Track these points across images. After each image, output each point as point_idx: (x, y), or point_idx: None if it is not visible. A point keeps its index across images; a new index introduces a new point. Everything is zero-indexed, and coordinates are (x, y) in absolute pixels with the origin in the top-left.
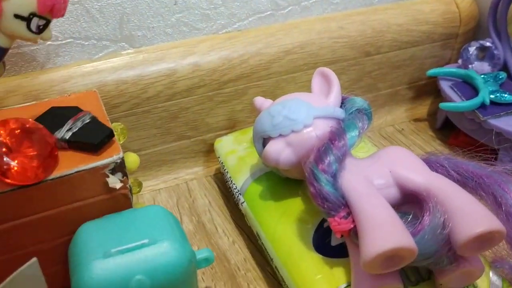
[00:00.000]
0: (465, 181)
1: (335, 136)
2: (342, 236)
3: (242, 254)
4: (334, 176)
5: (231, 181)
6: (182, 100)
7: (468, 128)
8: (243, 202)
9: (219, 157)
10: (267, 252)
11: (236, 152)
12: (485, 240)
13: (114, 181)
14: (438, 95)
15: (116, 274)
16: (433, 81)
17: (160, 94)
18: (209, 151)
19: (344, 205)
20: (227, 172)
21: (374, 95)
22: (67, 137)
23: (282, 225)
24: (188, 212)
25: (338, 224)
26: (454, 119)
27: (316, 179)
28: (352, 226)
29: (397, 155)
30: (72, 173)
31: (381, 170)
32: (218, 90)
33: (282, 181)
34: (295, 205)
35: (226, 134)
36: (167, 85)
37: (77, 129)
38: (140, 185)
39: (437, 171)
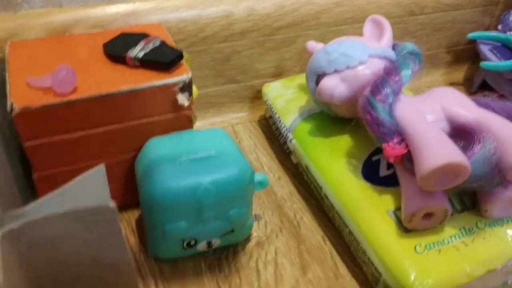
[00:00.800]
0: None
1: (391, 71)
2: (393, 163)
3: (287, 189)
4: (390, 106)
5: (280, 121)
6: (236, 43)
7: (506, 90)
8: (292, 139)
9: (266, 101)
10: (317, 183)
11: (284, 95)
12: None
13: (183, 99)
14: (474, 61)
15: (186, 180)
16: (471, 47)
17: (216, 35)
18: (255, 97)
19: (398, 132)
20: (275, 113)
21: None
22: (140, 56)
23: (332, 158)
24: None
25: (392, 149)
26: (491, 81)
27: (373, 107)
28: (405, 151)
29: (448, 93)
30: (144, 88)
31: (432, 105)
32: (270, 36)
33: (330, 121)
34: (344, 141)
35: (272, 81)
36: (223, 26)
37: (148, 49)
38: (195, 118)
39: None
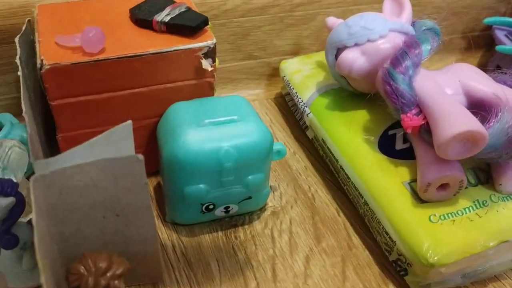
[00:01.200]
0: None
1: (411, 44)
2: (410, 134)
3: (302, 163)
4: (410, 78)
5: (297, 95)
6: (256, 18)
7: None
8: (309, 113)
9: (284, 76)
10: (333, 156)
11: (301, 71)
12: None
13: (207, 64)
14: (489, 48)
15: (208, 142)
16: (486, 33)
17: (237, 8)
18: (272, 75)
19: (417, 104)
20: (293, 88)
21: None
22: (167, 20)
23: (349, 131)
24: None
25: (410, 120)
26: (505, 66)
27: (393, 78)
28: (423, 122)
29: (465, 68)
30: (170, 51)
31: (450, 79)
32: (290, 12)
33: (348, 96)
34: (360, 115)
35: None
36: (245, 0)
37: (175, 14)
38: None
39: None
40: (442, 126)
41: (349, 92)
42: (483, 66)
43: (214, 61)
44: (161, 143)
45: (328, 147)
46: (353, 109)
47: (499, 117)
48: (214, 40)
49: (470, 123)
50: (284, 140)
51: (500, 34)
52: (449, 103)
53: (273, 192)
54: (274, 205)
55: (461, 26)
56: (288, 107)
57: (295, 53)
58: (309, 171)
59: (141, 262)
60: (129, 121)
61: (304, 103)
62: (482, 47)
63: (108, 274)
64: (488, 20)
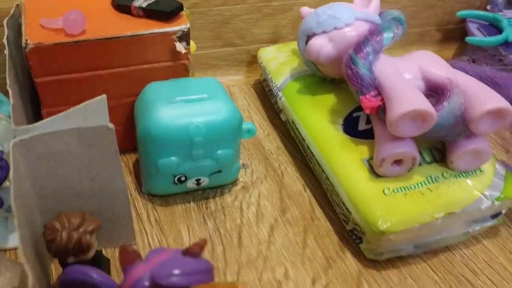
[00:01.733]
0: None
1: (374, 32)
2: (369, 114)
3: (275, 143)
4: (370, 63)
5: (272, 80)
6: (235, 7)
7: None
8: (282, 97)
9: (261, 63)
10: (301, 135)
11: (277, 58)
12: (495, 117)
13: (181, 47)
14: (463, 41)
15: (179, 118)
16: (460, 27)
17: None
18: (251, 62)
19: (375, 86)
20: (268, 74)
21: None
22: (144, 6)
23: (316, 113)
24: None
25: (368, 101)
26: (476, 58)
27: (354, 63)
28: (380, 103)
29: (425, 55)
30: (146, 34)
31: (410, 65)
32: (267, 2)
33: (318, 81)
34: (328, 99)
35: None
36: None
37: (152, 1)
38: (193, 74)
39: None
40: (394, 105)
41: (319, 77)
42: (458, 58)
43: (188, 44)
44: (137, 120)
45: (297, 128)
46: (322, 93)
47: (450, 98)
48: (188, 25)
49: (419, 103)
50: (259, 122)
51: (472, 27)
52: (403, 85)
53: (245, 169)
54: (245, 181)
55: (436, 19)
56: (265, 92)
57: (273, 41)
58: (281, 151)
59: (114, 224)
60: (104, 95)
61: (278, 87)
62: (457, 40)
63: (81, 230)
64: (461, 13)
